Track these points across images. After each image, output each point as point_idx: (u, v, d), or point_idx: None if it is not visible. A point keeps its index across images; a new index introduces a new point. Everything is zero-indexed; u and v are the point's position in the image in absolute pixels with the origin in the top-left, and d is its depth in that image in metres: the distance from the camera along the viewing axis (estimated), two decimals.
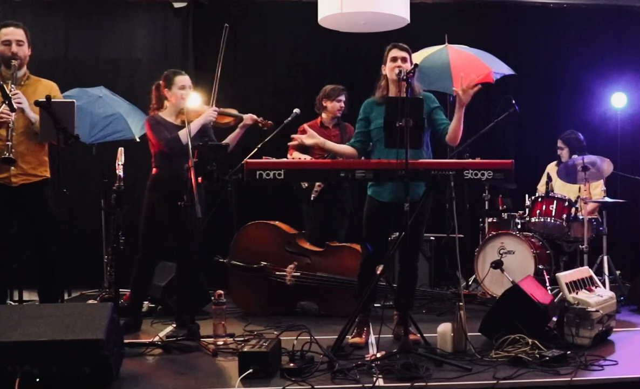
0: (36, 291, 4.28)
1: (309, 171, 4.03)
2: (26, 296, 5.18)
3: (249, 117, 4.65)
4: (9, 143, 3.87)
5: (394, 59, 4.01)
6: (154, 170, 4.56)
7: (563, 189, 5.80)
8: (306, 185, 5.38)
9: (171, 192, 4.31)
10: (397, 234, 4.07)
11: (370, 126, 4.07)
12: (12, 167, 3.98)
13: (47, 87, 4.20)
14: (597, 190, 5.73)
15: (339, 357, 3.58)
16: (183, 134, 4.34)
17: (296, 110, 5.43)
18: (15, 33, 4.11)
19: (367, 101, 4.16)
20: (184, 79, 4.52)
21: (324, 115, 5.47)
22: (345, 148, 4.17)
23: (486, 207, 6.14)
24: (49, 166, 4.25)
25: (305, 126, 4.32)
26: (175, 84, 4.50)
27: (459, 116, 3.86)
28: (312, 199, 5.37)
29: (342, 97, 5.37)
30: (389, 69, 4.03)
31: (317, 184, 5.30)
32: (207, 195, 4.67)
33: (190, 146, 4.04)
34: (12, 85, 3.98)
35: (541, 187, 5.86)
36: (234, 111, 4.70)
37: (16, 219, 4.17)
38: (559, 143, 6.03)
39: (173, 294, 4.88)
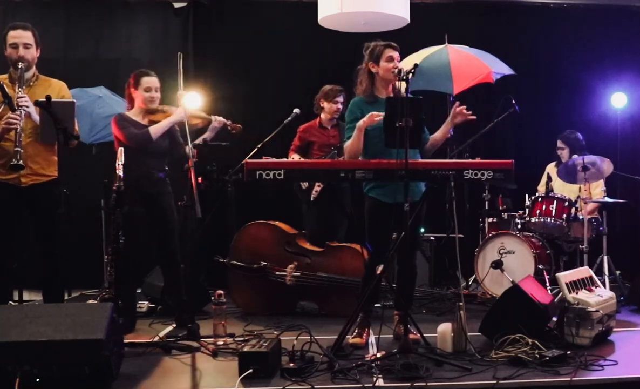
0: (36, 291, 4.28)
1: (309, 171, 4.02)
2: (26, 296, 5.18)
3: (218, 120, 4.57)
4: (18, 149, 3.86)
5: (391, 59, 4.01)
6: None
7: (563, 189, 5.80)
8: (306, 185, 5.38)
9: (140, 192, 4.31)
10: (395, 234, 4.06)
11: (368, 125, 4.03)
12: (21, 170, 3.98)
13: (56, 88, 4.21)
14: (597, 190, 5.73)
15: (339, 357, 3.58)
16: (153, 130, 4.36)
17: (296, 110, 5.43)
18: (22, 36, 4.11)
19: (356, 99, 4.09)
20: (150, 81, 4.48)
21: (322, 115, 5.48)
22: (362, 147, 3.97)
23: (486, 207, 6.14)
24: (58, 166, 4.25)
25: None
26: (141, 85, 4.48)
27: (445, 131, 4.06)
28: (311, 199, 5.37)
29: (340, 99, 5.37)
30: (384, 69, 4.01)
31: (317, 184, 5.31)
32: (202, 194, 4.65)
33: (190, 150, 4.03)
34: (20, 89, 3.98)
35: (541, 188, 5.86)
36: (203, 113, 4.64)
37: (23, 219, 4.17)
38: (559, 143, 6.03)
39: (169, 296, 4.88)
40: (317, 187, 5.33)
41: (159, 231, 4.51)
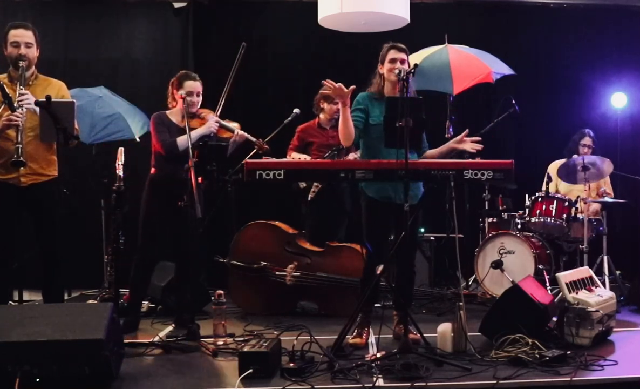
0: (36, 291, 4.28)
1: (309, 171, 4.02)
2: (26, 296, 5.17)
3: (239, 135, 4.54)
4: (19, 146, 3.86)
5: (393, 61, 4.01)
6: (152, 170, 4.55)
7: (569, 189, 5.79)
8: (304, 185, 5.38)
9: (168, 193, 4.31)
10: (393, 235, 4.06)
11: (368, 119, 4.01)
12: (22, 168, 3.99)
13: (55, 87, 4.21)
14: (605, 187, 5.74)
15: (339, 357, 3.58)
16: (181, 141, 4.34)
17: (296, 110, 5.42)
18: (24, 35, 4.10)
19: (362, 93, 4.08)
20: (193, 85, 4.47)
21: (321, 116, 5.48)
22: (352, 127, 3.92)
23: (486, 207, 6.14)
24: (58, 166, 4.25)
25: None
26: (183, 88, 4.45)
27: (444, 151, 4.03)
28: (309, 199, 5.37)
29: None
30: (387, 70, 4.02)
31: (315, 184, 5.30)
32: (205, 194, 4.65)
33: (190, 150, 4.03)
34: (21, 86, 3.98)
35: (550, 187, 5.79)
36: (234, 126, 4.61)
37: (23, 219, 4.18)
38: (588, 141, 5.86)
39: (173, 294, 4.88)
40: (315, 188, 5.32)
41: (184, 229, 4.43)
